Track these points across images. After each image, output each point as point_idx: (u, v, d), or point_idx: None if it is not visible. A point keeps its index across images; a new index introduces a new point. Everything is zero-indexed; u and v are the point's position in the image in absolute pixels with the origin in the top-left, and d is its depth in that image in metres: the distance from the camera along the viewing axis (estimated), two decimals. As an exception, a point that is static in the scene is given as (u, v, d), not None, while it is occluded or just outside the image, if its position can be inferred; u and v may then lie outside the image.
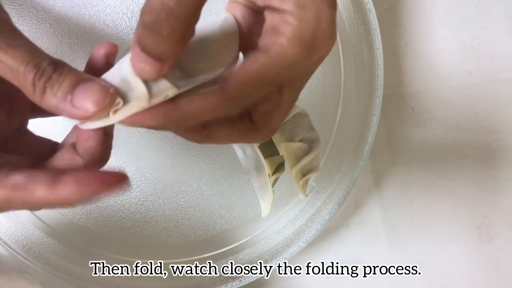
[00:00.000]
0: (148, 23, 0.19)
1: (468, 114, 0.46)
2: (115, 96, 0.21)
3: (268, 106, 0.24)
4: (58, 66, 0.21)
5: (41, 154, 0.25)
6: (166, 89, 0.21)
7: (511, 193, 0.46)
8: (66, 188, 0.20)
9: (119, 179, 0.20)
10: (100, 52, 0.24)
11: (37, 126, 0.27)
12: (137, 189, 0.41)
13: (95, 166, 0.23)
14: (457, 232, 0.46)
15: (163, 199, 0.41)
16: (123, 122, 0.21)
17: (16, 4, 0.38)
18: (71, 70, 0.21)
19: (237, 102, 0.22)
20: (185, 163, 0.41)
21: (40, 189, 0.20)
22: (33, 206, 0.21)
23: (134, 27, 0.39)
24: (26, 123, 0.26)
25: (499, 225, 0.46)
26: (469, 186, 0.46)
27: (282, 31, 0.22)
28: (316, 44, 0.22)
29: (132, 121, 0.21)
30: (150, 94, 0.21)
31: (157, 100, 0.21)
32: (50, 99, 0.20)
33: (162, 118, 0.21)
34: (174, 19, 0.19)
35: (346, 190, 0.40)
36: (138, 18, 0.20)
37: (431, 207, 0.46)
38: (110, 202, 0.40)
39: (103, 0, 0.39)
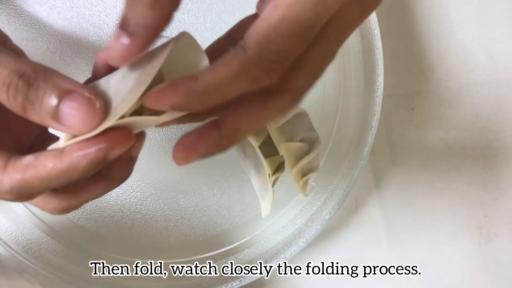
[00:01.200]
0: None
1: (468, 114, 0.46)
2: (103, 110, 0.19)
3: None
4: (32, 79, 0.19)
5: None
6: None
7: (511, 193, 0.46)
8: (72, 154, 0.19)
9: (123, 137, 0.20)
10: (102, 56, 0.22)
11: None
12: (137, 189, 0.41)
13: (115, 185, 0.23)
14: (457, 232, 0.46)
15: (163, 199, 0.41)
16: (150, 105, 0.19)
17: (16, 4, 0.38)
18: (48, 80, 0.19)
19: (263, 62, 0.18)
20: (185, 163, 0.41)
21: (49, 161, 0.20)
22: (49, 182, 0.20)
23: (134, 27, 0.39)
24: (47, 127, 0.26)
25: (499, 225, 0.46)
26: (469, 186, 0.46)
27: None
28: None
29: (155, 102, 0.19)
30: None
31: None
32: (34, 117, 0.19)
33: (184, 93, 0.18)
34: None
35: (346, 190, 0.40)
36: None
37: (431, 207, 0.46)
38: (110, 202, 0.40)
39: (103, 0, 0.39)
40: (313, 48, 0.19)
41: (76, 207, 0.23)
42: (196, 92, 0.18)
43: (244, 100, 0.20)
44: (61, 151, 0.20)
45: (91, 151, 0.19)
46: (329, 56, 0.20)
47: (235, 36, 0.24)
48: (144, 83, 0.19)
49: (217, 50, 0.23)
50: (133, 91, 0.19)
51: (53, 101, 0.19)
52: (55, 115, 0.19)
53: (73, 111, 0.19)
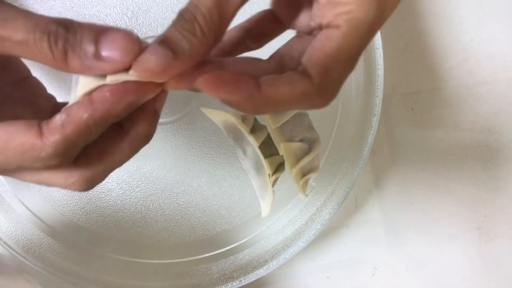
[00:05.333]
0: (180, 12, 0.19)
1: (468, 114, 0.46)
2: (138, 39, 0.20)
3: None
4: (68, 25, 0.20)
5: None
6: None
7: (511, 193, 0.46)
8: (102, 99, 0.20)
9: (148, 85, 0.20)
10: None
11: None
12: (137, 189, 0.41)
13: (140, 145, 0.23)
14: (457, 232, 0.46)
15: (163, 199, 0.41)
16: (204, 90, 0.19)
17: (16, 4, 0.38)
18: (82, 24, 0.20)
19: (326, 90, 0.20)
20: (185, 163, 0.41)
21: (83, 112, 0.20)
22: (89, 133, 0.20)
23: (134, 27, 0.39)
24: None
25: (499, 225, 0.46)
26: (469, 186, 0.46)
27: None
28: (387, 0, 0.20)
29: (216, 90, 0.19)
30: None
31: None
32: (75, 61, 0.19)
33: (245, 97, 0.19)
34: (201, 14, 0.19)
35: (346, 190, 0.40)
36: None
37: (431, 207, 0.46)
38: (110, 202, 0.40)
39: (103, 0, 0.39)
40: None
41: (102, 176, 0.23)
42: (256, 100, 0.19)
43: (286, 84, 0.21)
44: (89, 100, 0.20)
45: (121, 91, 0.20)
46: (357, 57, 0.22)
47: (253, 32, 0.25)
48: None
49: (237, 45, 0.25)
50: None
51: (92, 39, 0.19)
52: (97, 53, 0.19)
53: (113, 43, 0.19)
